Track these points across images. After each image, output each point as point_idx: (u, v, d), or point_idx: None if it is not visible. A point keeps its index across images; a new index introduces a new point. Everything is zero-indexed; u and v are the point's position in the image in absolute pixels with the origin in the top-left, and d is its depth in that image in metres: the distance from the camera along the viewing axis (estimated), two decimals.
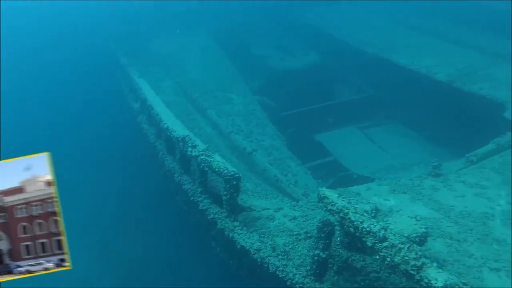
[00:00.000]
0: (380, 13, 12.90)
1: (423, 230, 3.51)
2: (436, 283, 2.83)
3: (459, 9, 11.19)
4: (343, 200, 3.50)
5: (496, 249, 4.30)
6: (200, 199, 5.22)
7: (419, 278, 2.91)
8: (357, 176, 8.17)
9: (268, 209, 5.01)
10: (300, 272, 4.06)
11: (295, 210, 4.98)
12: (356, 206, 3.48)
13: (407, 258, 2.98)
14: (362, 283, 3.78)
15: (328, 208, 3.54)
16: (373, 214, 3.72)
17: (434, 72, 9.09)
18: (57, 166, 4.06)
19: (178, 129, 5.73)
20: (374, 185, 5.57)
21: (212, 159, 4.76)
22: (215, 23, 13.01)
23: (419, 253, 3.00)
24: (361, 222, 3.26)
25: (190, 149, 5.10)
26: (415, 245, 3.05)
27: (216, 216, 4.91)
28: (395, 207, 5.05)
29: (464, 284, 2.79)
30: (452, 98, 8.61)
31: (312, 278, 3.96)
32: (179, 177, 5.72)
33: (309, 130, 9.95)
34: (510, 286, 3.85)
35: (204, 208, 5.09)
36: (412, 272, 2.95)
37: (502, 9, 10.28)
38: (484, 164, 5.95)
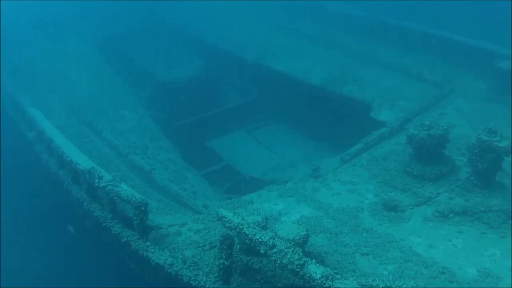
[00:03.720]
0: (254, 14, 13.12)
1: (304, 232, 4.33)
2: (316, 275, 3.60)
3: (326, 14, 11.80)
4: (238, 217, 4.18)
5: (365, 236, 5.24)
6: (111, 224, 5.56)
7: (302, 273, 3.65)
8: (249, 178, 8.91)
9: (174, 225, 5.53)
10: (210, 279, 4.65)
11: (198, 224, 5.56)
12: (248, 221, 4.20)
13: (292, 259, 3.69)
14: (262, 281, 4.47)
15: (226, 226, 4.23)
16: (263, 224, 4.41)
17: (309, 76, 9.89)
18: None
19: (82, 161, 6.01)
20: (265, 192, 6.35)
21: (119, 189, 5.17)
22: (96, 30, 12.92)
23: (301, 254, 3.74)
24: (254, 235, 3.95)
25: (97, 180, 5.46)
26: (297, 248, 3.79)
27: (129, 238, 5.31)
28: (283, 210, 5.86)
29: (335, 272, 3.59)
30: (327, 98, 9.49)
31: (221, 282, 4.57)
32: (88, 205, 5.98)
33: (200, 138, 10.51)
34: (376, 266, 4.78)
35: (117, 232, 5.46)
36: (297, 269, 3.67)
37: (363, 16, 11.02)
38: (355, 162, 6.88)
